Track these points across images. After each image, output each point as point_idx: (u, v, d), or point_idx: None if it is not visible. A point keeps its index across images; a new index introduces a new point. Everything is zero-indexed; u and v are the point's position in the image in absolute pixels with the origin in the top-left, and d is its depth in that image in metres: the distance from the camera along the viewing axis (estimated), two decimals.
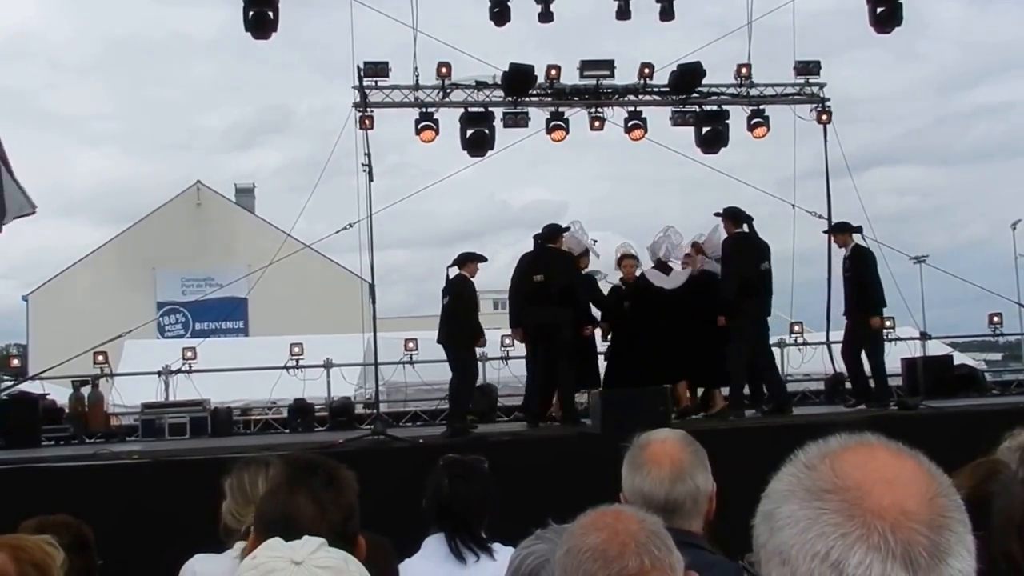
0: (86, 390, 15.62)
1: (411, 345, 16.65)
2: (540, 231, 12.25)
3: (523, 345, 12.46)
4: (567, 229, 12.37)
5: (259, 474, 3.51)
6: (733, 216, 12.19)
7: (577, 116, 16.90)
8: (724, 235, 12.36)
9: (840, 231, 13.13)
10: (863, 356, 12.56)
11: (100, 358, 16.04)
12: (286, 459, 2.83)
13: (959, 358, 18.23)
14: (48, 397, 14.98)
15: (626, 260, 13.12)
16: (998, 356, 28.97)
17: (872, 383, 12.61)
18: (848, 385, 13.40)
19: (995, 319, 18.37)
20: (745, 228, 12.22)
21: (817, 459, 1.27)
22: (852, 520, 1.18)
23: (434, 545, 4.15)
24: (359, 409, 16.65)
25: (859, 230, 13.20)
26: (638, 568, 2.00)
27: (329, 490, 2.56)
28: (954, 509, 1.22)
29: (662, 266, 12.89)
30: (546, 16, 16.33)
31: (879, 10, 15.93)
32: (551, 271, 11.74)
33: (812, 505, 1.21)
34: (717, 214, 12.30)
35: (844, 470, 1.23)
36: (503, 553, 3.89)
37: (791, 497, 1.24)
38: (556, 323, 11.58)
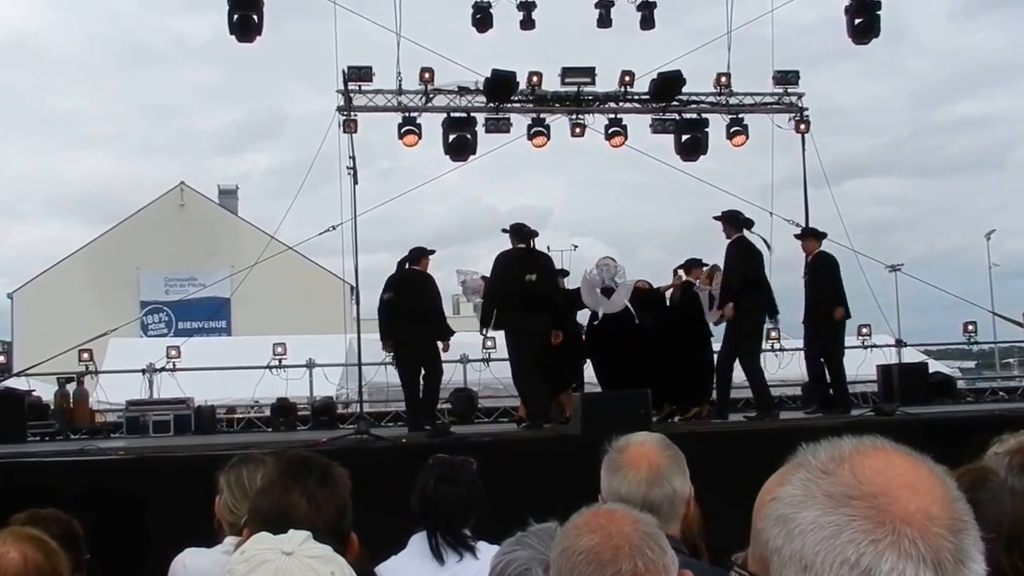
0: (71, 387, 15.72)
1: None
2: (407, 253, 12.44)
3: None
4: (432, 252, 12.51)
5: (258, 470, 3.48)
6: (514, 231, 12.13)
7: (558, 122, 17.02)
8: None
9: (809, 237, 13.10)
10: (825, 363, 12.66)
11: (85, 355, 16.13)
12: (280, 456, 2.83)
13: (934, 366, 18.37)
14: (34, 393, 15.06)
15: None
16: (972, 364, 29.15)
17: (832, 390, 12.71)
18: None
19: (970, 327, 18.61)
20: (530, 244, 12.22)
21: (833, 464, 1.25)
22: (882, 527, 1.17)
23: (419, 543, 4.21)
24: (340, 409, 16.80)
25: (824, 236, 13.30)
26: (631, 571, 2.00)
27: (323, 487, 2.60)
28: (968, 512, 1.23)
29: (606, 291, 13.07)
30: (528, 23, 16.46)
31: (857, 21, 16.15)
32: (406, 292, 12.10)
33: (839, 511, 1.20)
34: (504, 230, 12.21)
35: (866, 475, 1.22)
36: (486, 552, 3.91)
37: (810, 502, 1.23)
38: (411, 339, 12.00)
